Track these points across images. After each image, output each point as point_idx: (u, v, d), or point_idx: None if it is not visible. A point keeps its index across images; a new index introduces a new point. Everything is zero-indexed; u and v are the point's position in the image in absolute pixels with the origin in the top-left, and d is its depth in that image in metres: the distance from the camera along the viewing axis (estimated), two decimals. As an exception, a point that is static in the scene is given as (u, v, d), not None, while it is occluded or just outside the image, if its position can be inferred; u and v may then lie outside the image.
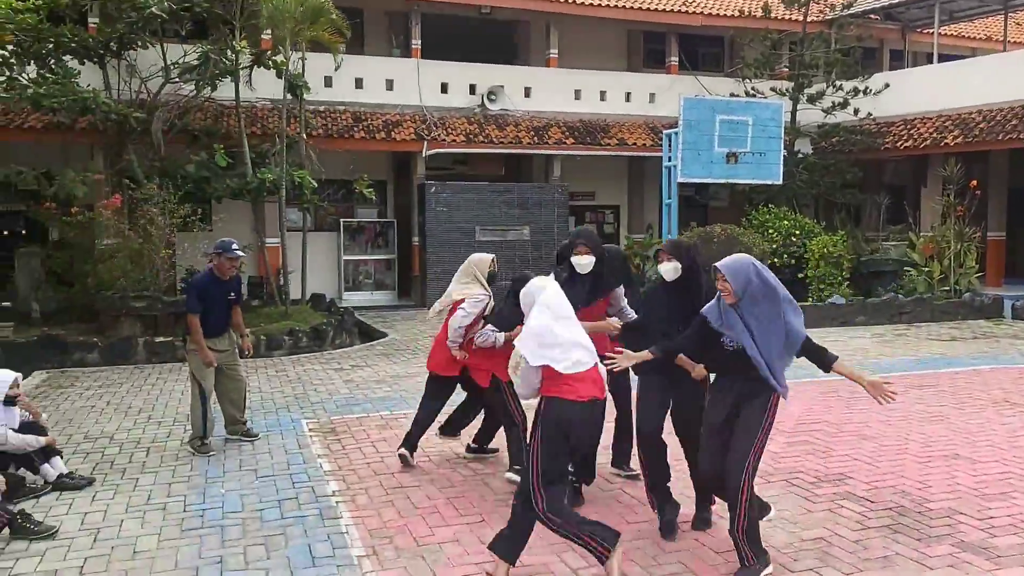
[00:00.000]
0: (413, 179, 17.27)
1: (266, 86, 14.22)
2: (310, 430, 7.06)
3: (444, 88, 17.57)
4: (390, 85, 17.20)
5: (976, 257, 15.15)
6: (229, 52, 13.06)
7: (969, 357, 10.72)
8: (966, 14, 21.01)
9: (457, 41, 18.63)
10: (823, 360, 4.16)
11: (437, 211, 16.60)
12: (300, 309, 13.19)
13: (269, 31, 13.91)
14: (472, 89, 17.78)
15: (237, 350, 6.68)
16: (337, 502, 5.22)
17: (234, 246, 6.49)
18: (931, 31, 19.76)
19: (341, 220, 17.95)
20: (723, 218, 17.75)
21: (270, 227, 14.91)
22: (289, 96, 13.52)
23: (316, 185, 13.31)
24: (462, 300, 5.60)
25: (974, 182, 14.71)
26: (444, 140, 16.66)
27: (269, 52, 13.60)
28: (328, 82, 16.19)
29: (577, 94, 18.62)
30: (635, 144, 18.13)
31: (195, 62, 13.19)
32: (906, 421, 7.23)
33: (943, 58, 19.78)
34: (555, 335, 3.93)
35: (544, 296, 4.06)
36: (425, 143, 16.48)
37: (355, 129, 16.11)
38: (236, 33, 12.97)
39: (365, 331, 13.72)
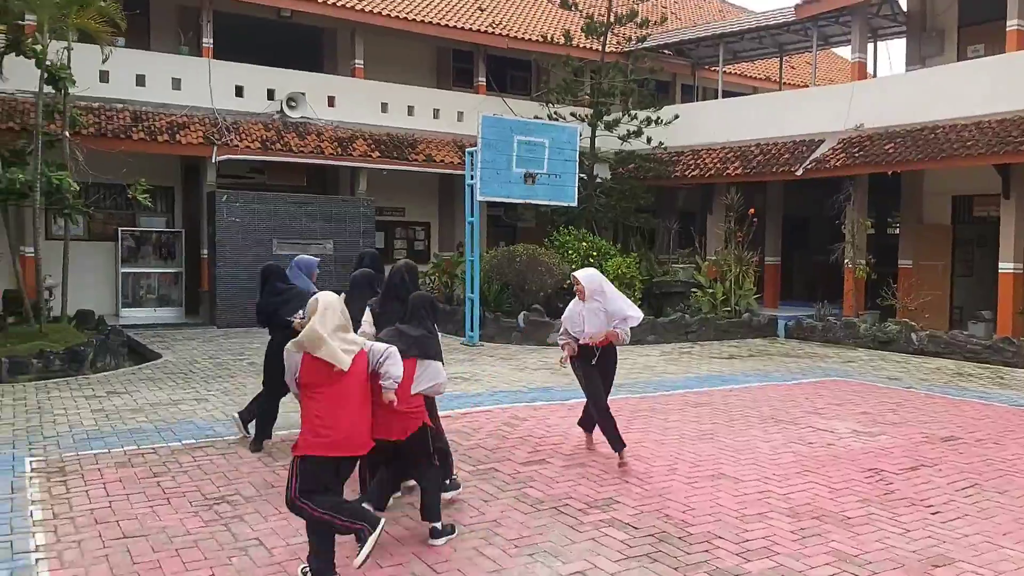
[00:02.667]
0: (203, 186, 16.05)
1: (30, 77, 12.56)
2: (33, 470, 6.06)
3: (239, 91, 16.51)
4: (177, 84, 15.91)
5: (754, 280, 16.26)
6: (-23, 35, 11.44)
7: (743, 375, 11.32)
8: (748, 55, 22.80)
9: (255, 43, 17.64)
10: None
11: (229, 221, 15.51)
12: (60, 328, 11.71)
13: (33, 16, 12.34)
14: (271, 94, 16.84)
15: None
16: (38, 559, 4.40)
17: None
18: (717, 69, 21.22)
19: (120, 229, 16.34)
20: (530, 238, 17.96)
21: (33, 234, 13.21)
22: (51, 89, 12.03)
23: (77, 188, 11.89)
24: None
25: (752, 210, 15.78)
26: (237, 146, 15.61)
27: (30, 39, 12.04)
28: (104, 77, 14.70)
29: (384, 107, 18.18)
30: (443, 161, 17.94)
31: (-64, 44, 11.44)
32: (679, 440, 7.37)
33: (728, 94, 21.29)
34: None
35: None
36: (215, 148, 15.35)
37: (133, 129, 14.70)
38: (-15, 14, 11.38)
39: (139, 352, 12.44)
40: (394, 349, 4.46)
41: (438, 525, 4.82)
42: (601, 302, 6.38)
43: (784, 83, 23.23)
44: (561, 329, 6.65)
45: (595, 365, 6.53)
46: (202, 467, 6.22)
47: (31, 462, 6.26)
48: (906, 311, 15.00)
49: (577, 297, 6.51)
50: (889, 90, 16.97)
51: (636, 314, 6.48)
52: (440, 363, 5.00)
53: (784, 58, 22.95)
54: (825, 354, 13.61)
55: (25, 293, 11.98)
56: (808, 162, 16.68)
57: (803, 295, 20.76)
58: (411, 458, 4.87)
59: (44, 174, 11.44)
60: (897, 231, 18.84)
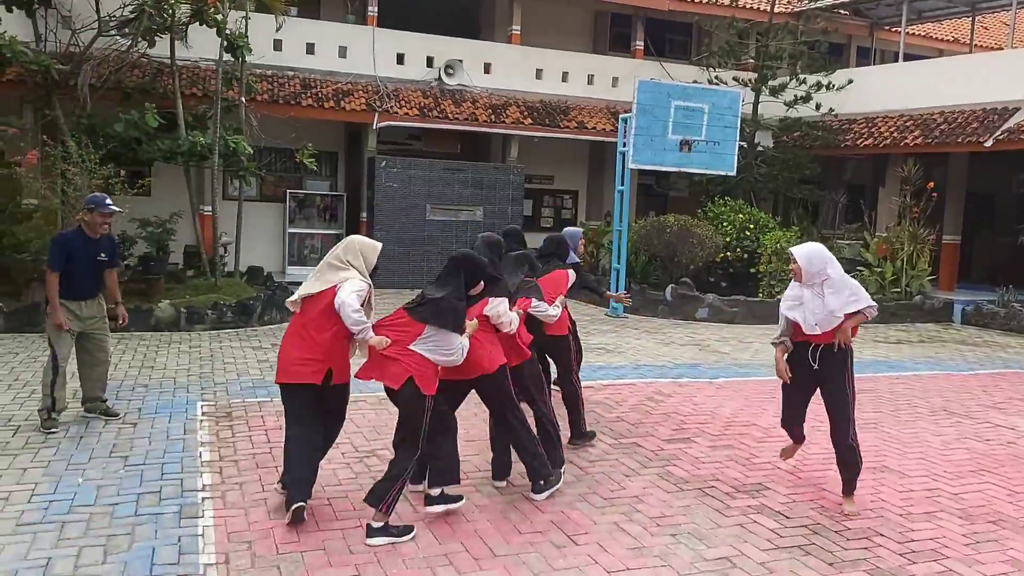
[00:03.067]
0: (364, 152, 16.64)
1: (211, 46, 13.46)
2: (204, 413, 6.53)
3: (400, 59, 16.91)
4: (343, 52, 16.50)
5: (929, 260, 15.00)
6: (166, 6, 12.30)
7: (913, 361, 10.49)
8: (934, 14, 20.82)
9: (416, 11, 17.97)
10: None
11: (387, 187, 16.03)
12: (232, 282, 12.60)
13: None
14: (429, 62, 17.14)
15: (107, 319, 6.16)
16: (204, 498, 4.73)
17: (107, 200, 5.97)
18: (899, 29, 19.53)
19: (288, 191, 17.29)
20: (682, 208, 17.41)
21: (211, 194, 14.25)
22: (229, 57, 12.82)
23: (251, 152, 12.65)
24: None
25: (931, 184, 14.50)
26: (397, 113, 16.02)
27: (212, 9, 12.84)
28: (277, 45, 15.46)
29: (538, 73, 18.07)
30: (595, 128, 17.65)
31: (131, 15, 12.43)
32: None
33: (909, 57, 19.57)
34: None
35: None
36: (376, 115, 15.82)
37: (303, 96, 15.40)
38: (174, -14, 12.21)
39: (301, 307, 13.16)
40: (346, 293, 4.29)
41: (435, 493, 4.55)
42: (822, 288, 4.93)
43: (975, 45, 21.04)
44: (780, 323, 5.15)
45: (811, 372, 5.04)
46: (354, 420, 6.46)
47: (202, 406, 6.75)
48: (1110, 300, 13.35)
49: (794, 278, 5.13)
50: (1104, 50, 14.99)
51: (866, 303, 4.96)
52: (454, 334, 4.35)
53: (976, 18, 20.79)
54: (1007, 343, 12.38)
55: (203, 249, 12.96)
56: (1000, 132, 15.08)
57: (984, 279, 18.95)
58: (401, 413, 4.46)
59: (222, 138, 12.25)
60: (1103, 211, 16.75)
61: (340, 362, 4.51)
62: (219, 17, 12.36)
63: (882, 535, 4.65)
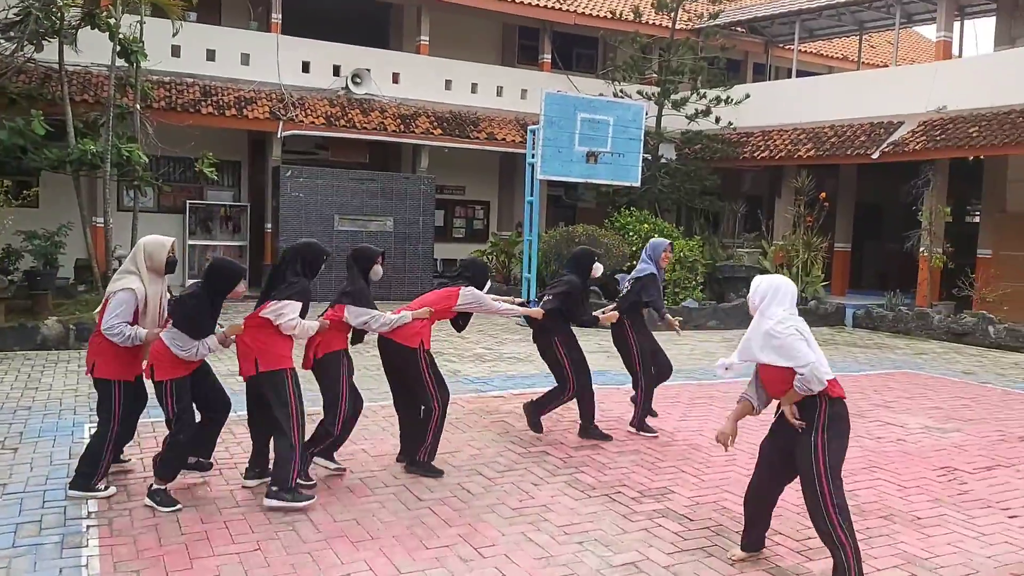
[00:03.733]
0: (269, 161, 16.24)
1: (103, 50, 12.86)
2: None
3: (306, 67, 16.61)
4: (246, 60, 16.09)
5: (822, 266, 15.70)
6: (54, 9, 11.70)
7: (809, 365, 10.91)
8: (825, 33, 21.93)
9: (322, 19, 17.73)
10: None
11: (292, 197, 15.65)
12: (127, 297, 12.03)
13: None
14: (336, 71, 16.90)
15: None
16: (89, 526, 4.45)
17: None
18: (792, 47, 20.47)
19: (188, 202, 16.69)
20: (590, 219, 17.71)
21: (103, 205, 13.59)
22: (123, 62, 12.29)
23: (147, 161, 12.15)
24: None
25: (823, 194, 15.21)
26: (302, 122, 15.72)
27: (105, 13, 12.29)
28: (176, 51, 14.94)
29: (448, 84, 18.08)
30: (504, 139, 17.77)
31: (16, 18, 11.77)
32: (740, 430, 7.08)
33: (802, 74, 20.54)
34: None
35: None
36: (281, 123, 15.48)
37: (203, 103, 14.92)
38: (62, -12, 11.64)
39: (202, 322, 12.69)
40: (105, 324, 4.68)
41: (158, 487, 4.77)
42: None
43: (863, 63, 22.30)
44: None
45: (774, 435, 4.29)
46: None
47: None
48: (984, 303, 14.28)
49: None
50: (975, 71, 16.10)
51: (791, 362, 3.91)
52: (183, 332, 4.66)
53: (863, 37, 22.01)
54: (895, 345, 13.06)
55: (95, 262, 12.33)
56: (885, 145, 15.96)
57: (873, 284, 20.01)
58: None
59: (115, 146, 11.72)
60: (976, 219, 17.95)
61: (102, 358, 4.82)
62: (112, 21, 11.85)
63: (780, 533, 4.79)
